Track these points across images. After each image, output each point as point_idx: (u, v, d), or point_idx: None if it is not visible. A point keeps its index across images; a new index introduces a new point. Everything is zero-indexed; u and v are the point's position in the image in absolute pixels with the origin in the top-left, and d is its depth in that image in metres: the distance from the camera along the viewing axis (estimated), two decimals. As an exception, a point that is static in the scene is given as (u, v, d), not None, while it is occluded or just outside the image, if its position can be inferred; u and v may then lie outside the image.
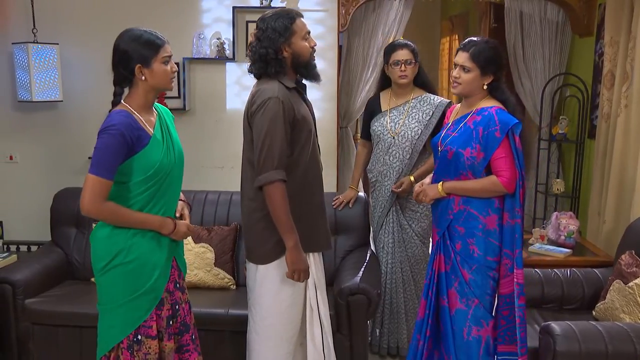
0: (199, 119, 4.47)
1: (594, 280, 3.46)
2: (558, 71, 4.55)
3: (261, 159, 2.60)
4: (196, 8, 4.37)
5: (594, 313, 3.30)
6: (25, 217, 4.47)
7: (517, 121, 2.73)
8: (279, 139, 2.57)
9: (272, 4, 4.26)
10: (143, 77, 2.43)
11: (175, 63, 4.15)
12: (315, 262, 2.85)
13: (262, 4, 4.27)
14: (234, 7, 4.27)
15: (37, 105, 4.36)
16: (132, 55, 2.41)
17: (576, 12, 4.36)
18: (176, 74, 2.56)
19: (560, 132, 4.41)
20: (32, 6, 4.20)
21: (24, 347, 3.53)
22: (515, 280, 2.78)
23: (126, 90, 2.51)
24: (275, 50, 2.63)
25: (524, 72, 4.59)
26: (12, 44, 4.20)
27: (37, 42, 4.15)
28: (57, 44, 4.22)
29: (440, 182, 2.89)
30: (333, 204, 3.80)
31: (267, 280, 2.77)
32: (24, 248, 4.42)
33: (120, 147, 2.34)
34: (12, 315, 3.48)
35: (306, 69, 2.74)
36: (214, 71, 4.41)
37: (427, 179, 3.07)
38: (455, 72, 2.86)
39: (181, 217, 2.68)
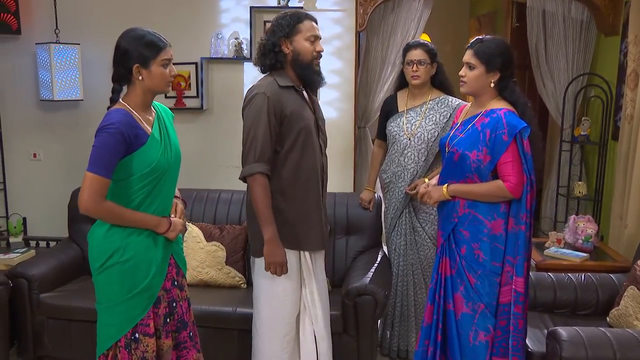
0: (216, 119, 4.52)
1: (609, 285, 3.36)
2: (582, 71, 4.43)
3: (244, 151, 2.69)
4: (215, 8, 4.41)
5: (608, 319, 3.21)
6: (48, 214, 4.58)
7: (525, 125, 2.65)
8: (261, 133, 2.64)
9: (290, 4, 4.28)
10: (140, 77, 2.45)
11: (193, 63, 4.34)
12: (307, 260, 2.86)
13: (279, 4, 4.28)
14: (251, 7, 4.29)
15: (59, 105, 4.46)
16: (132, 55, 2.43)
17: (601, 10, 4.25)
18: (174, 77, 2.56)
19: (582, 133, 4.30)
20: (55, 7, 4.31)
21: (39, 340, 3.62)
22: (513, 287, 2.72)
23: (125, 89, 2.54)
24: (273, 43, 2.73)
25: (546, 73, 4.48)
26: (36, 44, 4.31)
27: (59, 43, 4.25)
28: (79, 44, 4.31)
29: (445, 185, 2.84)
30: (364, 206, 3.82)
31: (261, 274, 2.82)
32: (45, 244, 4.52)
33: (119, 145, 2.36)
34: (28, 309, 3.57)
35: (304, 70, 2.77)
36: (232, 71, 4.44)
37: (434, 180, 3.03)
38: (461, 71, 2.81)
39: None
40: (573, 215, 3.98)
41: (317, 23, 2.80)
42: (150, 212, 2.51)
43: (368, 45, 4.55)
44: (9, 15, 4.37)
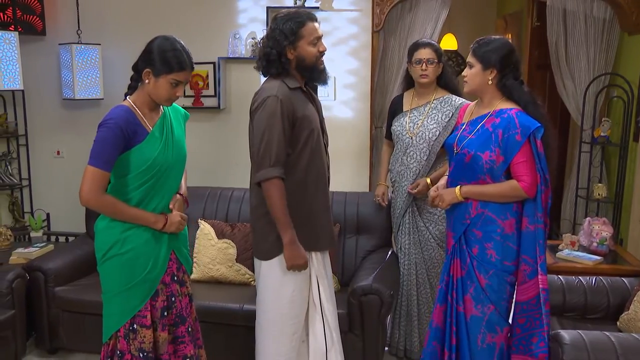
0: (233, 118, 4.57)
1: (621, 289, 3.29)
2: (604, 71, 4.33)
3: (259, 155, 2.65)
4: (232, 9, 4.47)
5: (618, 324, 3.15)
6: (70, 210, 4.68)
7: (539, 125, 2.64)
8: (276, 136, 2.61)
9: (306, 4, 4.30)
10: (147, 81, 2.54)
11: (211, 62, 4.40)
12: (317, 259, 2.86)
13: (295, 4, 4.30)
14: (267, 7, 4.33)
15: (81, 103, 4.58)
16: (152, 59, 2.51)
17: (624, 8, 4.14)
18: (177, 97, 2.62)
19: (602, 134, 4.21)
20: (77, 9, 4.43)
21: (55, 332, 3.73)
22: (540, 286, 2.70)
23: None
24: (278, 52, 2.68)
25: (566, 73, 4.39)
26: (59, 44, 4.44)
27: (80, 43, 4.37)
28: (99, 44, 4.42)
29: (458, 187, 2.82)
30: (380, 203, 3.78)
31: (269, 276, 2.81)
32: (65, 239, 4.64)
33: (117, 140, 2.44)
34: (44, 301, 3.69)
35: (310, 73, 2.76)
36: (249, 70, 4.45)
37: (442, 181, 3.01)
38: (464, 71, 2.81)
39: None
40: (588, 218, 3.91)
41: (317, 21, 2.76)
42: (150, 209, 2.58)
43: (385, 45, 4.53)
44: (35, 17, 4.52)
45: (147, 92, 2.56)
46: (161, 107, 2.67)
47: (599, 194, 4.22)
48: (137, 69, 2.58)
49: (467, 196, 2.79)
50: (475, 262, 2.77)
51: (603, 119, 4.26)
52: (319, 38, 2.74)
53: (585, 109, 4.32)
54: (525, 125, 2.63)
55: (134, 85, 2.61)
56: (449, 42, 7.05)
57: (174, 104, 2.75)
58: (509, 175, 2.71)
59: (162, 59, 2.49)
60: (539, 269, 2.70)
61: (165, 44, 2.52)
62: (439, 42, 7.05)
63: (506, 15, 6.10)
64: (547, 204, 2.71)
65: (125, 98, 2.61)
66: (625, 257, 3.77)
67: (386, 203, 3.78)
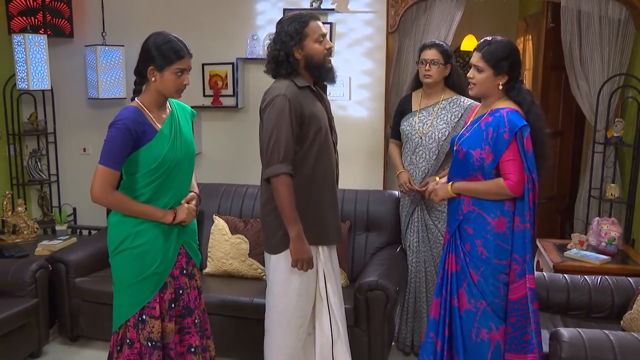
0: (251, 117, 4.67)
1: (625, 289, 3.31)
2: (618, 72, 4.33)
3: (268, 152, 2.74)
4: (251, 10, 4.59)
5: (621, 323, 3.17)
6: (96, 205, 4.80)
7: (525, 123, 2.68)
8: (284, 134, 2.69)
9: (322, 6, 4.39)
10: (153, 79, 2.64)
11: (230, 63, 4.52)
12: (325, 254, 2.93)
13: (312, 5, 4.40)
14: (284, 9, 4.44)
15: (105, 102, 4.76)
16: (151, 57, 2.62)
17: (639, 9, 4.15)
18: (185, 86, 2.70)
19: (615, 135, 4.21)
20: (103, 12, 4.60)
21: (76, 321, 3.90)
22: (527, 285, 2.73)
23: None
24: (286, 53, 2.77)
25: (580, 74, 4.39)
26: (85, 46, 4.61)
27: (105, 45, 4.54)
28: (123, 45, 4.58)
29: (450, 182, 2.90)
30: (409, 189, 3.62)
31: (277, 270, 2.89)
32: (92, 233, 4.81)
33: (126, 140, 2.55)
34: (66, 291, 3.86)
35: (318, 71, 2.84)
36: (266, 70, 4.59)
37: (444, 179, 3.08)
38: (469, 73, 2.85)
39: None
40: (597, 218, 3.92)
41: (319, 20, 2.84)
42: (161, 206, 2.68)
43: (400, 46, 4.59)
44: (64, 20, 4.71)
45: (155, 90, 2.65)
46: (168, 105, 2.76)
47: (611, 194, 4.22)
48: (140, 70, 2.67)
49: (458, 192, 2.86)
50: (467, 258, 2.83)
51: (616, 120, 4.26)
52: (324, 35, 2.82)
53: (599, 109, 4.33)
54: (513, 123, 2.67)
55: (138, 89, 2.72)
56: (470, 43, 7.05)
57: (181, 102, 2.86)
58: (500, 174, 2.75)
59: (161, 53, 2.59)
60: (527, 268, 2.74)
61: (159, 39, 2.62)
62: (459, 43, 7.12)
63: (527, 16, 6.09)
64: (535, 203, 2.74)
65: (134, 99, 2.71)
66: (634, 257, 3.78)
67: (416, 186, 3.60)
